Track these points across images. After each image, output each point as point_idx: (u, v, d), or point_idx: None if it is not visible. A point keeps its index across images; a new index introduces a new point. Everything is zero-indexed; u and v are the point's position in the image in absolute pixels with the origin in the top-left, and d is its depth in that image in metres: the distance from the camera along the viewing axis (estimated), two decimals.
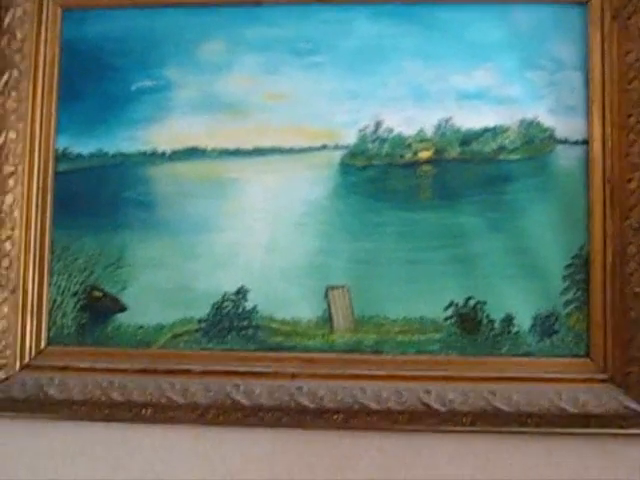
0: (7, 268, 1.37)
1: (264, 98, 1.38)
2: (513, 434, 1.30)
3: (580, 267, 1.32)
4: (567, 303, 1.32)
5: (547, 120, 1.35)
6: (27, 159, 1.39)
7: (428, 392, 1.30)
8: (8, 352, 1.37)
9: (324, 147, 1.37)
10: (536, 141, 1.35)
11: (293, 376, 1.33)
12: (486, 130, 1.35)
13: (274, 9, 1.38)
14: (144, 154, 1.40)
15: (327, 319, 1.36)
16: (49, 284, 1.40)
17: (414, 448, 1.32)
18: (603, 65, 1.32)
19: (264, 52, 1.38)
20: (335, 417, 1.31)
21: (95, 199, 1.41)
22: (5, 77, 1.39)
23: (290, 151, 1.37)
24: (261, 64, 1.38)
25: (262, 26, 1.38)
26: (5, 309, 1.37)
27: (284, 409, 1.32)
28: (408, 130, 1.36)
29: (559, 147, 1.35)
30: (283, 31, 1.38)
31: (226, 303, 1.37)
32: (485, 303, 1.33)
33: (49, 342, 1.39)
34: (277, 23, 1.38)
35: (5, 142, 1.38)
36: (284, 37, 1.38)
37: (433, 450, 1.32)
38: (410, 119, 1.36)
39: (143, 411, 1.34)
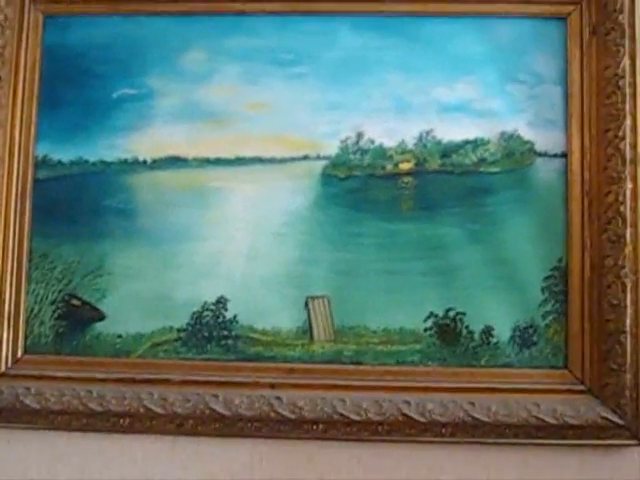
0: None
1: (246, 108, 1.38)
2: (492, 445, 1.30)
3: (558, 279, 1.33)
4: (546, 315, 1.33)
5: (527, 133, 1.36)
6: (6, 165, 1.38)
7: (408, 403, 1.30)
8: None
9: (306, 157, 1.37)
10: (516, 154, 1.36)
11: (273, 386, 1.33)
12: (467, 142, 1.36)
13: (256, 19, 1.38)
14: (125, 162, 1.39)
15: (307, 329, 1.36)
16: (27, 292, 1.38)
17: (394, 458, 1.33)
18: (582, 80, 1.34)
19: (246, 62, 1.38)
20: (315, 427, 1.31)
21: (75, 207, 1.40)
22: None
23: (271, 161, 1.37)
24: (243, 74, 1.38)
25: (244, 36, 1.38)
26: None
27: (263, 419, 1.31)
28: (389, 141, 1.37)
29: (539, 160, 1.36)
30: (265, 41, 1.38)
31: (206, 313, 1.36)
32: (465, 314, 1.34)
33: (26, 351, 1.38)
34: (259, 33, 1.38)
35: None
36: (266, 47, 1.38)
37: (412, 460, 1.32)
38: (391, 131, 1.36)
39: (121, 421, 1.33)
